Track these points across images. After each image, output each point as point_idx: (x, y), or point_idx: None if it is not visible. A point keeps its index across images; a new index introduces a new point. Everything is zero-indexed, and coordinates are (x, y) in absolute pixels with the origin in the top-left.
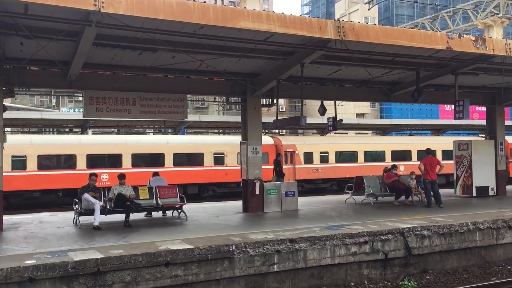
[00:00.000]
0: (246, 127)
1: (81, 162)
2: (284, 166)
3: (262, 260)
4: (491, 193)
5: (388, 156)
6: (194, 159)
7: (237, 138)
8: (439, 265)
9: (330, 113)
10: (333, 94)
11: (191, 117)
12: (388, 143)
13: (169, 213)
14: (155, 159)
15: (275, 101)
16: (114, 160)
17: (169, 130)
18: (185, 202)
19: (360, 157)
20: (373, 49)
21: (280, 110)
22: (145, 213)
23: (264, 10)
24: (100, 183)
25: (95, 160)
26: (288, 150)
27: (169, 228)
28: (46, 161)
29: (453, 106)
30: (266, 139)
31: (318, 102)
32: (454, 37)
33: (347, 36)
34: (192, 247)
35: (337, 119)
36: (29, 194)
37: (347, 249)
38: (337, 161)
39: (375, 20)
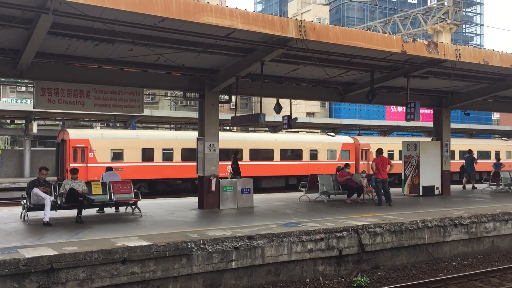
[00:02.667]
0: (203, 123)
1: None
2: (361, 162)
3: (220, 257)
4: (436, 192)
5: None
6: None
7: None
8: (390, 261)
9: (284, 111)
10: (290, 92)
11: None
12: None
13: (122, 209)
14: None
15: (232, 97)
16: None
17: (118, 124)
18: (140, 198)
19: None
20: (332, 50)
21: (232, 107)
22: (97, 209)
23: (226, 6)
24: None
25: None
26: (364, 148)
27: (124, 225)
28: None
29: (400, 108)
30: (348, 139)
31: (271, 100)
32: (408, 41)
33: (308, 35)
34: (150, 243)
35: (292, 118)
36: None
37: (303, 246)
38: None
39: (326, 21)
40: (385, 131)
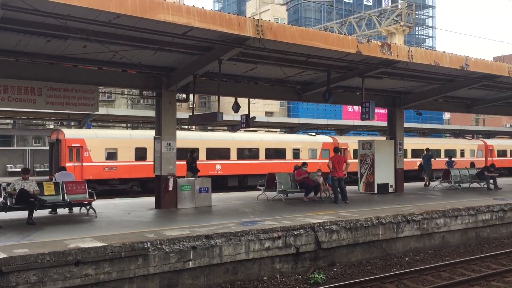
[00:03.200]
0: (160, 122)
1: None
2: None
3: (178, 256)
4: (390, 190)
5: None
6: None
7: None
8: (346, 258)
9: (243, 110)
10: (248, 91)
11: (99, 110)
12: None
13: (76, 209)
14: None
15: (190, 96)
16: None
17: (72, 123)
18: (95, 198)
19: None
20: (289, 49)
21: (190, 106)
22: (49, 210)
23: (183, 4)
24: None
25: None
26: (342, 147)
27: (78, 226)
28: None
29: (357, 107)
30: (328, 139)
31: (230, 99)
32: (363, 42)
33: (265, 35)
34: (105, 244)
35: (250, 117)
36: None
37: (261, 244)
38: None
39: (285, 21)
40: (342, 130)
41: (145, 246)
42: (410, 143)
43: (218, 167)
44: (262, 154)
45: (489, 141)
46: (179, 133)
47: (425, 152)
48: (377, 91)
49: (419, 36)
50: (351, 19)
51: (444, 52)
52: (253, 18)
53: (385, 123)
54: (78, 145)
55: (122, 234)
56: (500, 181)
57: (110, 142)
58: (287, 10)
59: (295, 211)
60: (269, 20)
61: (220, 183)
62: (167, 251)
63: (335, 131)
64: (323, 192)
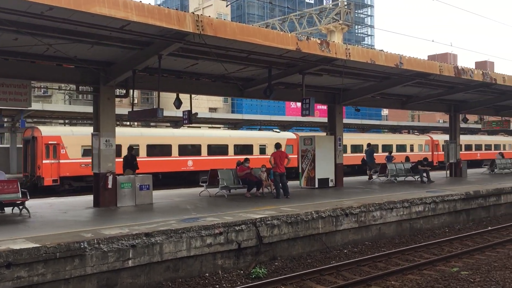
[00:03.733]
0: (98, 118)
1: None
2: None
3: (116, 255)
4: (331, 184)
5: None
6: None
7: None
8: (287, 252)
9: (185, 106)
10: (189, 87)
11: (33, 106)
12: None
13: (8, 209)
14: None
15: (130, 91)
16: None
17: (5, 120)
18: (28, 197)
19: None
20: (229, 45)
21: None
22: None
23: None
24: None
25: None
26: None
27: (9, 226)
28: None
29: (299, 103)
30: (291, 135)
31: (173, 95)
32: (303, 39)
33: (205, 30)
34: (38, 245)
35: (193, 113)
36: None
37: (202, 240)
38: None
39: (228, 17)
40: (285, 126)
41: (82, 246)
42: (366, 138)
43: (190, 163)
44: (231, 150)
45: (435, 137)
46: (147, 130)
47: (367, 147)
48: (317, 87)
49: (359, 34)
50: (292, 16)
51: (380, 50)
52: (193, 13)
53: (326, 119)
54: (55, 142)
55: (57, 234)
56: (434, 174)
57: (86, 139)
58: (227, 6)
59: (237, 207)
60: (209, 16)
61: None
62: (105, 251)
63: (279, 127)
64: (265, 188)
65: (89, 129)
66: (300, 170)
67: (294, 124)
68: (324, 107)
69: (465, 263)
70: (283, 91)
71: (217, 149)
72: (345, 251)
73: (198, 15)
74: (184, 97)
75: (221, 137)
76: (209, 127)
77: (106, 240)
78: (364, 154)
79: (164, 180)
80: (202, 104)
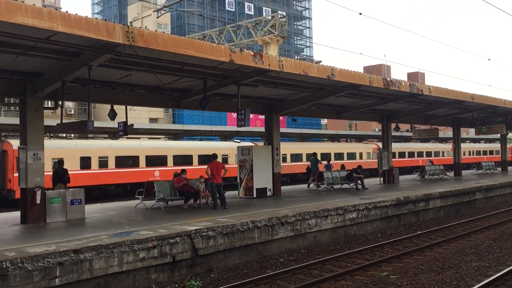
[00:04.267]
0: (25, 131)
1: None
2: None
3: (42, 274)
4: (268, 193)
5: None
6: None
7: None
8: (223, 263)
9: (122, 117)
10: (123, 98)
11: None
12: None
13: None
14: None
15: (61, 103)
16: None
17: None
18: None
19: None
20: (162, 57)
21: (69, 113)
22: None
23: (44, 6)
24: None
25: None
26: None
27: None
28: None
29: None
30: (250, 144)
31: (110, 106)
32: (236, 51)
33: (136, 41)
34: None
35: (128, 124)
36: None
37: (135, 255)
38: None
39: (168, 27)
40: (226, 136)
41: (4, 266)
42: (317, 147)
43: (157, 173)
44: (195, 160)
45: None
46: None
47: (312, 156)
48: (254, 98)
49: (298, 46)
50: (228, 28)
51: (311, 62)
52: (123, 24)
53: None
54: None
55: None
56: (368, 181)
57: (55, 152)
58: (158, 17)
59: (173, 219)
60: (146, 27)
61: None
62: (30, 269)
63: (220, 137)
64: (203, 199)
65: (59, 142)
66: (238, 180)
67: (235, 134)
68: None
69: (395, 267)
70: (220, 102)
71: (182, 159)
72: (281, 259)
73: (128, 26)
74: (121, 108)
75: (185, 148)
76: (149, 138)
77: (30, 258)
78: (309, 163)
79: (133, 190)
80: (142, 114)
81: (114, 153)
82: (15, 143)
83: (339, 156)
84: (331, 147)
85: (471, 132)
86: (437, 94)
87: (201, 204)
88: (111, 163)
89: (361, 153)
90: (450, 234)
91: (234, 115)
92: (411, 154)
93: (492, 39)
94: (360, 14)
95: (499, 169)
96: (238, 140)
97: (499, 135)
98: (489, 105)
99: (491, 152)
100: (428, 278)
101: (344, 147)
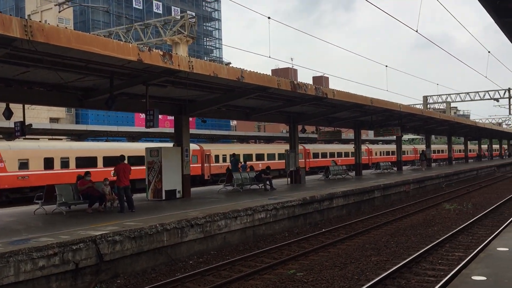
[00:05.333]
0: None
1: None
2: (205, 165)
3: None
4: (178, 195)
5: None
6: None
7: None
8: (130, 267)
9: (19, 116)
10: (20, 96)
11: None
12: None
13: None
14: None
15: None
16: None
17: None
18: None
19: None
20: (65, 53)
21: None
22: None
23: None
24: None
25: None
26: (206, 153)
27: None
28: None
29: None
30: (195, 146)
31: (2, 104)
32: (145, 50)
33: (35, 36)
34: None
35: (26, 124)
36: None
37: (34, 263)
38: None
39: (70, 22)
40: (134, 137)
41: None
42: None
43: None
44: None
45: (307, 146)
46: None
47: (232, 157)
48: (163, 98)
49: (208, 47)
50: (136, 26)
51: (222, 64)
52: (21, 17)
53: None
54: None
55: None
56: (276, 181)
57: (22, 153)
58: (60, 11)
59: (77, 224)
60: (46, 21)
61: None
62: None
63: (127, 138)
64: (108, 202)
65: (25, 144)
66: (146, 182)
67: (143, 135)
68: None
69: (301, 264)
70: (127, 102)
71: (138, 160)
72: (191, 262)
73: (27, 19)
74: (18, 106)
75: (141, 149)
76: (49, 139)
77: None
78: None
79: None
80: (41, 114)
81: (74, 154)
82: None
83: (271, 157)
84: (265, 149)
85: (370, 134)
86: (340, 98)
87: (106, 208)
88: (72, 164)
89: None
90: (351, 231)
91: (142, 115)
92: (332, 155)
93: (389, 47)
94: (269, 18)
95: (395, 168)
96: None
97: (395, 137)
98: (386, 109)
99: (393, 153)
100: (332, 273)
101: (267, 149)
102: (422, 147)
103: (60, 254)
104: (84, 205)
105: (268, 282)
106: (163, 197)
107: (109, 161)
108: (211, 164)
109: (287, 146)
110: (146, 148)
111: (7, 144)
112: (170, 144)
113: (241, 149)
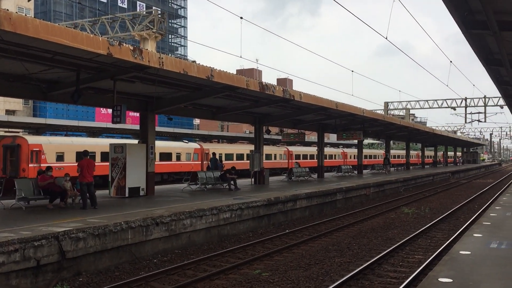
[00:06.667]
0: None
1: None
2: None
3: None
4: (141, 193)
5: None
6: None
7: None
8: (93, 265)
9: None
10: None
11: None
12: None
13: None
14: None
15: None
16: None
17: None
18: None
19: None
20: (32, 44)
21: None
22: None
23: None
24: None
25: None
26: (206, 152)
27: None
28: None
29: (110, 109)
30: (196, 145)
31: None
32: (115, 44)
33: (2, 25)
34: None
35: None
36: None
37: None
38: None
39: (30, 12)
40: (94, 132)
41: None
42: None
43: None
44: (157, 157)
45: (290, 148)
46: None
47: (212, 155)
48: (130, 94)
49: (173, 44)
50: (103, 19)
51: (193, 62)
52: None
53: (138, 127)
54: (38, 149)
55: None
56: (240, 182)
57: (58, 147)
58: (29, 0)
59: (38, 220)
60: (7, 10)
61: None
62: None
63: (87, 133)
64: (70, 198)
65: (61, 139)
66: (109, 179)
67: (104, 130)
68: (137, 114)
69: (266, 265)
70: (93, 97)
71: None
72: (155, 261)
73: None
74: None
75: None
76: (6, 132)
77: None
78: (209, 162)
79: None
80: None
81: (100, 149)
82: (30, 139)
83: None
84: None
85: (332, 137)
86: (307, 101)
87: (68, 204)
88: (98, 157)
89: (275, 154)
90: (314, 232)
91: (103, 110)
92: (311, 157)
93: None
94: (241, 18)
95: (356, 172)
96: (186, 141)
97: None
98: (350, 113)
99: (369, 157)
100: (297, 274)
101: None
102: (367, 151)
103: (21, 250)
104: (45, 201)
105: (234, 282)
106: (126, 194)
107: (161, 156)
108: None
109: (283, 148)
110: (110, 144)
111: (47, 139)
112: (133, 141)
113: (235, 149)
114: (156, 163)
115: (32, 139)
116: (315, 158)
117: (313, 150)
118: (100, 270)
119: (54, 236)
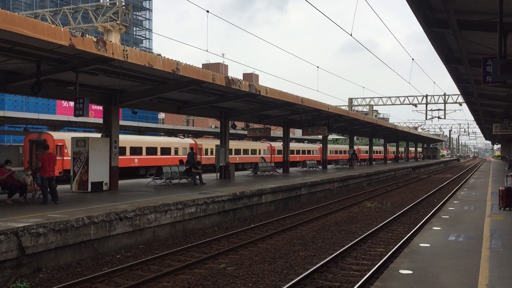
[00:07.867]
0: None
1: None
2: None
3: None
4: (105, 188)
5: None
6: None
7: None
8: (54, 261)
9: None
10: None
11: None
12: None
13: None
14: None
15: None
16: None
17: None
18: None
19: None
20: None
21: None
22: None
23: None
24: None
25: None
26: (199, 147)
27: None
28: None
29: (72, 103)
30: (191, 141)
31: None
32: (77, 35)
33: None
34: None
35: None
36: None
37: None
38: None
39: None
40: (56, 126)
41: None
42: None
43: (136, 160)
44: (158, 151)
45: (273, 144)
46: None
47: (189, 150)
48: (93, 87)
49: (137, 37)
50: (65, 10)
51: (158, 55)
52: None
53: (102, 120)
54: (61, 144)
55: None
56: (205, 176)
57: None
58: None
59: None
60: None
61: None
62: None
63: (48, 126)
64: (30, 193)
65: (81, 134)
66: (72, 173)
67: (66, 124)
68: (100, 107)
69: (231, 259)
70: (55, 89)
71: (151, 151)
72: (118, 256)
73: None
74: None
75: (154, 142)
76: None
77: None
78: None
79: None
80: None
81: (145, 144)
82: (55, 135)
83: (245, 152)
84: (244, 145)
85: (297, 133)
86: (273, 96)
87: (27, 199)
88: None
89: (260, 149)
90: (279, 226)
91: (65, 103)
92: (304, 152)
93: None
94: (208, 11)
95: (320, 167)
96: (182, 136)
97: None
98: (315, 109)
99: (336, 152)
100: (262, 268)
101: (249, 145)
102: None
103: None
104: (3, 196)
105: (198, 276)
106: (89, 189)
107: (163, 151)
108: (202, 156)
109: (266, 144)
110: (72, 138)
111: (69, 135)
112: (96, 135)
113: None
114: (157, 156)
115: (56, 135)
116: (295, 153)
117: (295, 145)
118: (62, 266)
119: (13, 231)
